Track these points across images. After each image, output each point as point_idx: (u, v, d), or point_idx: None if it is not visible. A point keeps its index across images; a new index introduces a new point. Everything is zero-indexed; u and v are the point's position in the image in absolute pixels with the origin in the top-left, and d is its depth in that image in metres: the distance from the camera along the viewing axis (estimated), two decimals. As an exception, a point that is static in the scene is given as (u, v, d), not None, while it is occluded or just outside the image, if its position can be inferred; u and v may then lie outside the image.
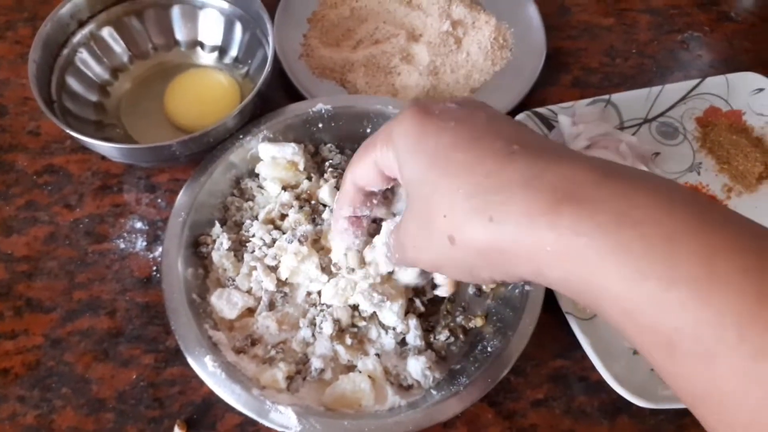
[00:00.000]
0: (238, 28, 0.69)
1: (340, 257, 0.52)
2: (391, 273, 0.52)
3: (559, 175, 0.29)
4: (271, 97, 0.67)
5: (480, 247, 0.31)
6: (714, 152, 0.68)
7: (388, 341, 0.53)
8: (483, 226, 0.30)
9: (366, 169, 0.40)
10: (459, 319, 0.55)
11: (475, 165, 0.31)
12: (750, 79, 0.70)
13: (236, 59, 0.71)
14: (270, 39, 0.62)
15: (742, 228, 0.27)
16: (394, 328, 0.53)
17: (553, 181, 0.29)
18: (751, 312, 0.24)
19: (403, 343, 0.54)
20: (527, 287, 0.52)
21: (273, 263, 0.53)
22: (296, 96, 0.68)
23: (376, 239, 0.50)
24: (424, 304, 0.55)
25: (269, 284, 0.53)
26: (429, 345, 0.54)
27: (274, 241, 0.55)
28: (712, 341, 0.24)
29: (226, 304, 0.52)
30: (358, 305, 0.53)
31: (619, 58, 0.77)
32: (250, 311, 0.54)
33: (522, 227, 0.29)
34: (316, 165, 0.61)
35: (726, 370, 0.24)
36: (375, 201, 0.47)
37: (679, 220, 0.26)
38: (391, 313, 0.51)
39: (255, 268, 0.53)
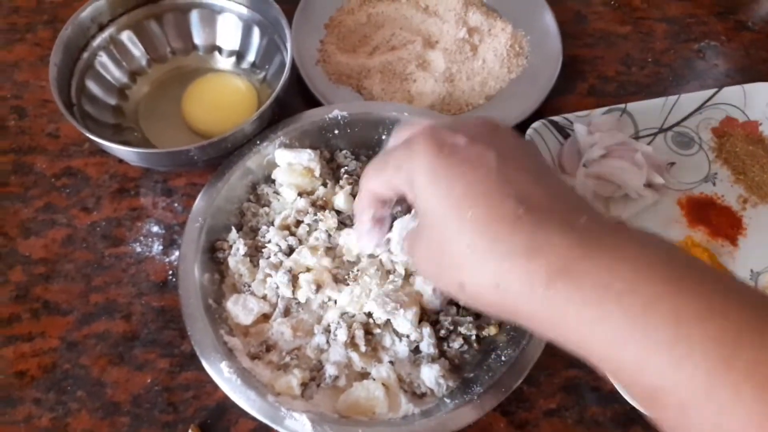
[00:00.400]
0: (256, 33, 0.70)
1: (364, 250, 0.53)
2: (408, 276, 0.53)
3: (554, 249, 0.32)
4: (288, 103, 0.67)
5: (486, 301, 0.35)
6: (730, 163, 0.67)
7: (402, 349, 0.53)
8: (490, 287, 0.33)
9: (380, 185, 0.42)
10: (472, 327, 0.55)
11: (484, 227, 0.33)
12: (767, 89, 0.70)
13: (254, 64, 0.71)
14: (288, 45, 0.62)
15: (713, 291, 0.29)
16: (408, 336, 0.53)
17: (549, 256, 0.32)
18: (716, 374, 0.27)
19: (416, 350, 0.54)
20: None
21: (289, 267, 0.54)
22: (313, 102, 0.68)
23: (391, 236, 0.50)
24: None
25: (286, 291, 0.53)
26: (442, 353, 0.54)
27: (290, 247, 0.55)
28: (685, 398, 0.28)
29: (242, 309, 0.53)
30: (372, 313, 0.53)
31: (635, 66, 0.76)
32: (265, 317, 0.54)
33: (524, 296, 0.32)
34: (332, 171, 0.62)
35: (698, 421, 0.28)
36: (393, 204, 0.47)
37: (657, 288, 0.30)
38: (404, 321, 0.52)
39: (270, 275, 0.54)
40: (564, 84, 0.73)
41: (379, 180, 0.41)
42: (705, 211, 0.64)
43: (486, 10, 0.77)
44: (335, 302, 0.54)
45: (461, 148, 0.35)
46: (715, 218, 0.64)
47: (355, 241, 0.54)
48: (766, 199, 0.65)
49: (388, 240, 0.51)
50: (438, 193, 0.35)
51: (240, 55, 0.71)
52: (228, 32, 0.71)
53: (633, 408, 0.53)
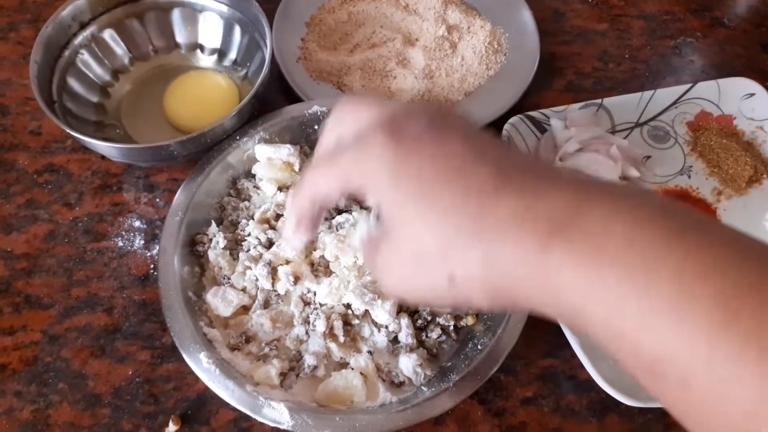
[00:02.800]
0: (237, 31, 0.70)
1: (330, 255, 0.54)
2: None
3: (542, 213, 0.30)
4: (269, 100, 0.68)
5: (479, 288, 0.32)
6: (704, 156, 0.69)
7: (381, 339, 0.54)
8: (482, 266, 0.31)
9: (328, 188, 0.36)
10: (449, 317, 0.56)
11: (465, 205, 0.31)
12: (741, 84, 0.71)
13: (235, 62, 0.72)
14: (268, 42, 0.63)
15: (714, 245, 0.27)
16: (386, 327, 0.54)
17: (538, 221, 0.30)
18: (718, 339, 0.25)
19: (395, 341, 0.55)
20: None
21: (269, 259, 0.54)
22: (294, 98, 0.69)
23: (353, 239, 0.50)
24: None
25: (266, 283, 0.54)
26: (421, 343, 0.55)
27: (269, 240, 0.56)
28: (686, 367, 0.26)
29: (221, 301, 0.53)
30: (351, 304, 0.54)
31: (612, 63, 0.78)
32: (245, 309, 0.55)
33: (518, 270, 0.30)
34: (312, 166, 0.62)
35: (700, 393, 0.26)
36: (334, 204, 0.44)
37: (655, 244, 0.27)
38: (383, 312, 0.52)
39: (250, 267, 0.54)
40: (542, 80, 0.74)
41: (327, 181, 0.36)
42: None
43: (465, 8, 0.78)
44: (314, 294, 0.55)
45: (422, 133, 0.33)
46: None
47: (282, 237, 0.52)
48: (740, 192, 0.67)
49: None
50: (406, 187, 0.32)
51: (222, 53, 0.72)
52: (210, 30, 0.72)
53: (609, 396, 0.53)
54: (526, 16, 0.76)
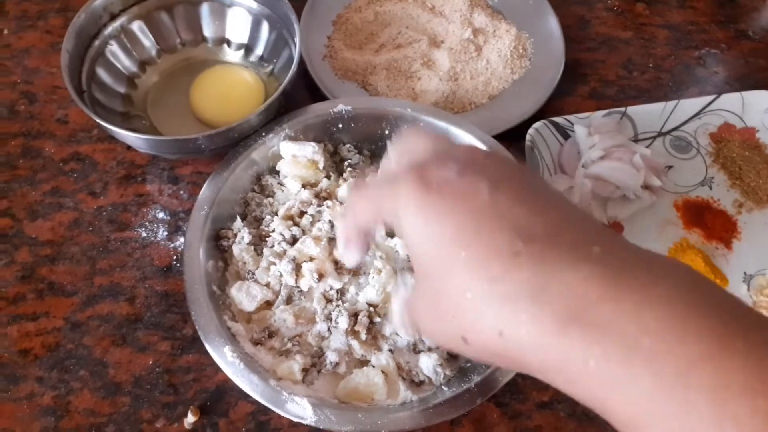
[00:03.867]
0: (265, 27, 0.71)
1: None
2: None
3: (564, 288, 0.28)
4: (294, 97, 0.68)
5: (492, 351, 0.31)
6: (726, 168, 0.69)
7: (401, 338, 0.54)
8: (494, 337, 0.29)
9: (366, 215, 0.37)
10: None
11: (479, 268, 0.29)
12: (765, 97, 0.71)
13: (262, 58, 0.72)
14: (296, 40, 0.64)
15: (759, 346, 0.25)
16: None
17: (558, 297, 0.27)
18: None
19: (416, 341, 0.55)
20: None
21: (293, 256, 0.55)
22: (318, 96, 0.69)
23: (393, 308, 0.50)
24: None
25: (290, 279, 0.54)
26: (440, 344, 0.55)
27: (293, 237, 0.56)
28: None
29: (246, 296, 0.54)
30: (376, 303, 0.54)
31: (636, 71, 0.78)
32: (268, 304, 0.55)
33: (532, 345, 0.28)
34: (335, 164, 0.63)
35: None
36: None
37: (694, 347, 0.25)
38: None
39: (274, 262, 0.55)
40: (566, 86, 0.74)
41: (368, 213, 0.36)
42: (701, 214, 0.66)
43: (491, 12, 0.78)
44: (337, 291, 0.55)
45: (451, 182, 0.31)
46: (711, 221, 0.65)
47: (339, 254, 0.53)
48: (761, 204, 0.67)
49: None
50: (429, 237, 0.31)
51: (248, 48, 0.73)
52: (237, 26, 0.72)
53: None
54: (552, 22, 0.76)
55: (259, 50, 0.72)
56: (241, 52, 0.73)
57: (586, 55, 0.78)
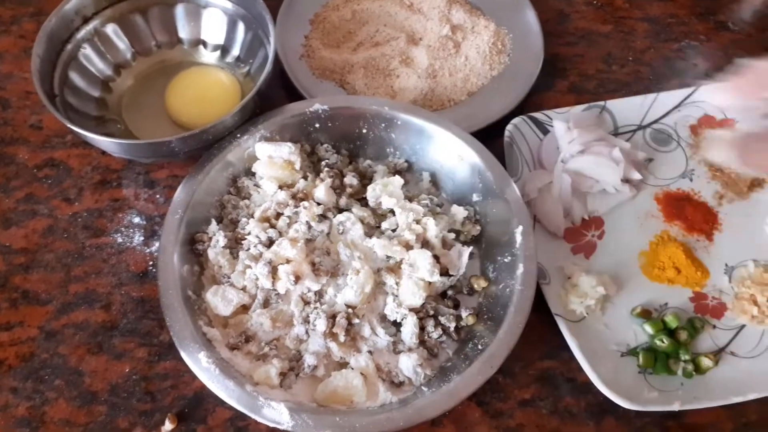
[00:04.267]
0: (240, 28, 0.70)
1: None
2: None
3: None
4: (272, 97, 0.68)
5: None
6: (707, 160, 0.68)
7: (381, 339, 0.54)
8: None
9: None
10: (452, 318, 0.55)
11: None
12: (744, 88, 0.71)
13: (238, 58, 0.71)
14: (272, 39, 0.63)
15: None
16: (393, 322, 0.54)
17: None
18: None
19: (396, 342, 0.54)
20: (518, 286, 0.53)
21: (269, 258, 0.54)
22: (296, 96, 0.69)
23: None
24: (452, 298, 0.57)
25: (266, 282, 0.53)
26: (422, 343, 0.54)
27: (269, 239, 0.56)
28: None
29: (221, 300, 0.53)
30: (354, 304, 0.54)
31: (615, 65, 0.77)
32: (245, 308, 0.55)
33: None
34: (312, 164, 0.62)
35: None
36: None
37: None
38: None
39: (250, 266, 0.54)
40: (545, 81, 0.73)
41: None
42: (681, 207, 0.65)
43: (469, 8, 0.78)
44: (315, 293, 0.54)
45: None
46: (691, 213, 0.65)
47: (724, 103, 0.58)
48: (742, 196, 0.66)
49: None
50: None
51: (225, 49, 0.72)
52: (213, 27, 0.71)
53: (606, 399, 0.53)
54: (531, 17, 0.76)
55: (236, 51, 0.71)
56: (218, 53, 0.72)
57: (566, 50, 0.78)
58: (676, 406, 0.52)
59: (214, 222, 0.57)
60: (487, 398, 0.55)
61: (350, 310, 0.54)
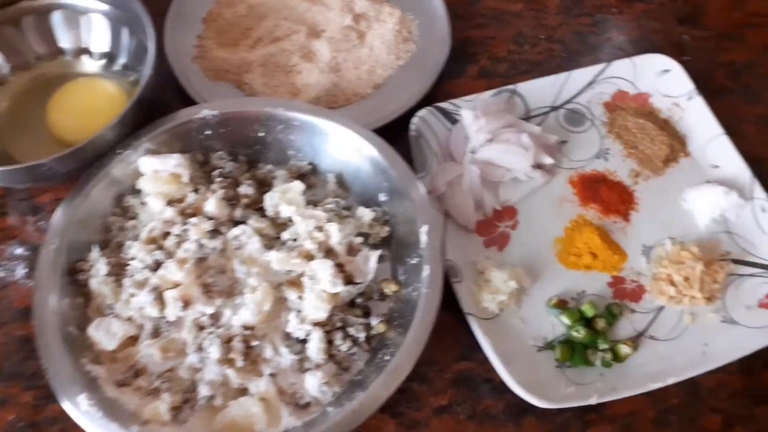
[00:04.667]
0: (125, 33, 0.65)
1: None
2: None
3: None
4: (165, 105, 0.63)
5: None
6: (621, 137, 0.66)
7: (285, 359, 0.51)
8: None
9: None
10: (361, 328, 0.52)
11: None
12: (656, 61, 0.69)
13: (125, 66, 0.67)
14: (150, 42, 0.58)
15: None
16: (298, 339, 0.51)
17: None
18: None
19: (302, 360, 0.51)
20: (424, 289, 0.50)
21: (155, 284, 0.50)
22: (191, 102, 0.64)
23: None
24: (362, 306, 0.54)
25: (152, 310, 0.50)
26: (331, 357, 0.51)
27: (156, 262, 0.52)
28: None
29: (105, 334, 0.49)
30: (252, 324, 0.50)
31: (527, 44, 0.75)
32: (134, 340, 0.51)
33: None
34: (207, 174, 0.58)
35: None
36: None
37: None
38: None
39: (134, 294, 0.50)
40: (454, 67, 0.71)
41: None
42: (596, 189, 0.63)
43: (373, -5, 0.74)
44: (210, 317, 0.51)
45: None
46: (607, 194, 0.63)
47: None
48: (657, 172, 0.65)
49: None
50: None
51: (111, 56, 0.67)
52: (96, 33, 0.67)
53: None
54: (435, 0, 0.72)
55: (123, 58, 0.67)
56: (104, 61, 0.67)
57: (476, 33, 0.75)
58: (593, 400, 0.51)
59: (94, 249, 0.53)
60: (401, 408, 0.53)
61: (248, 332, 0.50)
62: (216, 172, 0.57)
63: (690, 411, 0.53)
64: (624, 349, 0.54)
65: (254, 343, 0.50)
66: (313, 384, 0.49)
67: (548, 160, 0.62)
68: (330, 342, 0.52)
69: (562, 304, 0.57)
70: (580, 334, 0.54)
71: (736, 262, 0.60)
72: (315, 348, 0.50)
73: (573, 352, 0.54)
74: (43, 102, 0.64)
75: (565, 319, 0.56)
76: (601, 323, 0.55)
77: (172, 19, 0.69)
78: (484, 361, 0.54)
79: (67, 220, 0.52)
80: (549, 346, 0.55)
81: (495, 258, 0.59)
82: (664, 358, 0.55)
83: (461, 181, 0.61)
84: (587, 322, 0.56)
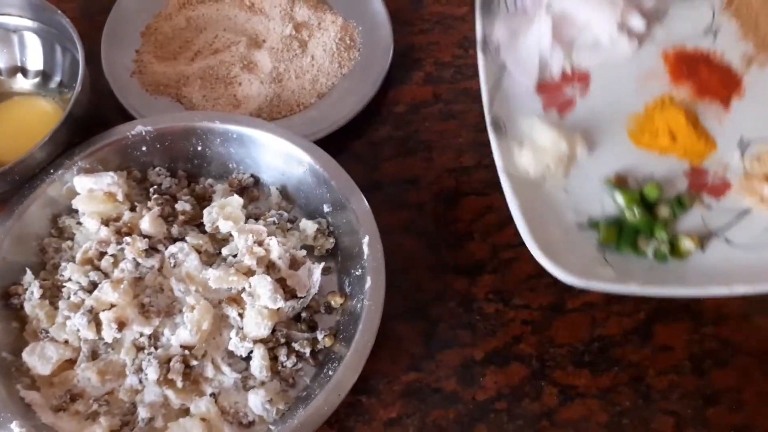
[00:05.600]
0: (58, 50, 0.64)
1: None
2: None
3: None
4: (104, 122, 0.62)
5: None
6: (741, 13, 0.57)
7: (228, 377, 0.50)
8: None
9: None
10: (306, 343, 0.51)
11: None
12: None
13: (61, 84, 0.65)
14: (80, 56, 0.57)
15: None
16: (242, 357, 0.50)
17: None
18: None
19: (246, 378, 0.50)
20: (366, 301, 0.49)
21: (90, 305, 0.49)
22: (130, 118, 0.63)
23: None
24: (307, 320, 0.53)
25: (87, 333, 0.48)
26: (276, 374, 0.50)
27: (92, 283, 0.50)
28: None
29: (39, 359, 0.48)
30: (191, 344, 0.49)
31: (472, 48, 0.74)
32: (72, 363, 0.49)
33: None
34: (146, 191, 0.57)
35: None
36: None
37: None
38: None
39: (69, 316, 0.49)
40: (400, 74, 0.70)
41: None
42: (695, 67, 0.55)
43: (315, 3, 0.73)
44: (149, 338, 0.49)
45: None
46: (706, 75, 0.55)
47: None
48: (776, 60, 0.56)
49: None
50: None
51: (46, 75, 0.66)
52: (29, 51, 0.65)
53: (477, 406, 0.51)
54: (377, 6, 0.72)
55: (58, 76, 0.65)
56: (38, 79, 0.66)
57: (420, 38, 0.75)
58: (633, 288, 0.43)
59: (29, 271, 0.52)
60: (350, 423, 0.52)
61: (187, 352, 0.49)
62: (152, 189, 0.56)
63: (642, 413, 0.53)
64: (686, 243, 0.47)
65: (194, 362, 0.49)
66: (256, 402, 0.48)
67: (639, 24, 0.54)
68: (275, 358, 0.51)
69: (621, 182, 0.49)
70: (635, 216, 0.47)
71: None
72: (258, 365, 0.49)
73: (620, 234, 0.46)
74: (-24, 123, 0.62)
75: (620, 198, 0.48)
76: (664, 211, 0.48)
77: (108, 35, 0.68)
78: (433, 370, 0.53)
79: (-2, 243, 0.51)
80: (593, 225, 0.48)
81: (551, 121, 0.51)
82: (737, 266, 0.46)
83: (528, 33, 0.54)
84: (649, 207, 0.48)
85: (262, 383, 0.50)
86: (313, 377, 0.51)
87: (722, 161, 0.51)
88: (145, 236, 0.52)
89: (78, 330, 0.49)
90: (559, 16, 0.53)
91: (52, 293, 0.51)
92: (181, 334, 0.49)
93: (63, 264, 0.52)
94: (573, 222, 0.48)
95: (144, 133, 0.56)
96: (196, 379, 0.49)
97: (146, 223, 0.52)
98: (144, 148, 0.57)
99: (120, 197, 0.54)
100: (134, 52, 0.69)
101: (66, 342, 0.49)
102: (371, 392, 0.53)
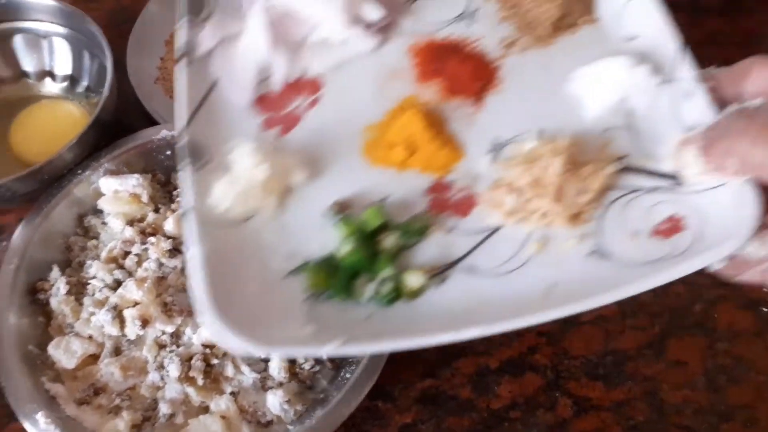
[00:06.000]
0: (86, 56, 0.66)
1: None
2: None
3: None
4: (130, 126, 0.63)
5: None
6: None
7: (247, 377, 0.50)
8: None
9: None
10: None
11: None
12: None
13: (88, 88, 0.67)
14: (108, 62, 0.59)
15: None
16: (260, 358, 0.51)
17: None
18: None
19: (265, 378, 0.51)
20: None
21: (115, 303, 0.50)
22: (155, 123, 0.64)
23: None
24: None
25: (111, 329, 0.49)
26: (294, 375, 0.51)
27: (116, 281, 0.52)
28: None
29: (64, 353, 0.49)
30: (212, 343, 0.50)
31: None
32: (95, 358, 0.51)
33: None
34: (169, 194, 0.58)
35: None
36: None
37: None
38: None
39: (94, 312, 0.50)
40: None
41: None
42: (443, 60, 0.45)
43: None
44: (171, 335, 0.50)
45: None
46: (455, 68, 0.45)
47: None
48: (542, 42, 0.47)
49: None
50: None
51: (74, 79, 0.67)
52: (59, 56, 0.67)
53: (491, 415, 0.51)
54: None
55: (85, 81, 0.67)
56: (66, 84, 0.68)
57: None
58: (328, 349, 0.34)
59: (56, 268, 0.53)
60: (366, 426, 0.52)
61: (208, 350, 0.50)
62: (175, 192, 0.57)
63: (656, 428, 0.53)
64: (411, 279, 0.37)
65: (214, 361, 0.50)
66: (274, 402, 0.49)
67: (373, 14, 0.45)
68: (293, 360, 0.51)
69: (342, 209, 0.40)
70: (344, 250, 0.38)
71: (631, 170, 0.41)
72: (276, 366, 0.50)
73: (328, 277, 0.38)
74: (6, 125, 0.64)
75: (341, 232, 0.39)
76: (390, 240, 0.39)
77: (134, 42, 0.69)
78: (449, 377, 0.54)
79: (27, 240, 0.52)
80: (304, 268, 0.39)
81: (266, 141, 0.42)
82: (483, 301, 0.37)
83: (240, 38, 0.44)
84: (370, 238, 0.39)
85: (280, 384, 0.50)
86: (330, 380, 0.52)
87: (471, 171, 0.42)
88: (168, 237, 0.54)
89: (102, 326, 0.50)
90: (281, 11, 0.44)
91: (78, 290, 0.52)
92: (202, 333, 0.50)
93: (88, 262, 0.53)
94: (283, 269, 0.39)
95: (169, 138, 0.57)
96: (216, 378, 0.50)
97: (170, 225, 0.54)
98: (168, 152, 0.58)
99: (144, 199, 0.55)
100: (159, 59, 0.71)
101: (90, 337, 0.50)
102: (387, 397, 0.53)
